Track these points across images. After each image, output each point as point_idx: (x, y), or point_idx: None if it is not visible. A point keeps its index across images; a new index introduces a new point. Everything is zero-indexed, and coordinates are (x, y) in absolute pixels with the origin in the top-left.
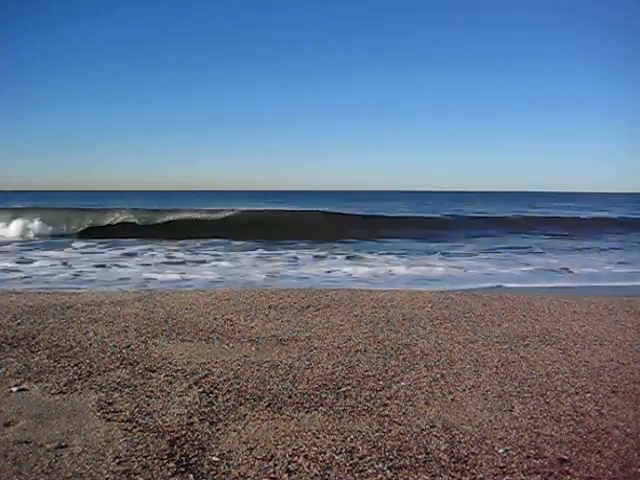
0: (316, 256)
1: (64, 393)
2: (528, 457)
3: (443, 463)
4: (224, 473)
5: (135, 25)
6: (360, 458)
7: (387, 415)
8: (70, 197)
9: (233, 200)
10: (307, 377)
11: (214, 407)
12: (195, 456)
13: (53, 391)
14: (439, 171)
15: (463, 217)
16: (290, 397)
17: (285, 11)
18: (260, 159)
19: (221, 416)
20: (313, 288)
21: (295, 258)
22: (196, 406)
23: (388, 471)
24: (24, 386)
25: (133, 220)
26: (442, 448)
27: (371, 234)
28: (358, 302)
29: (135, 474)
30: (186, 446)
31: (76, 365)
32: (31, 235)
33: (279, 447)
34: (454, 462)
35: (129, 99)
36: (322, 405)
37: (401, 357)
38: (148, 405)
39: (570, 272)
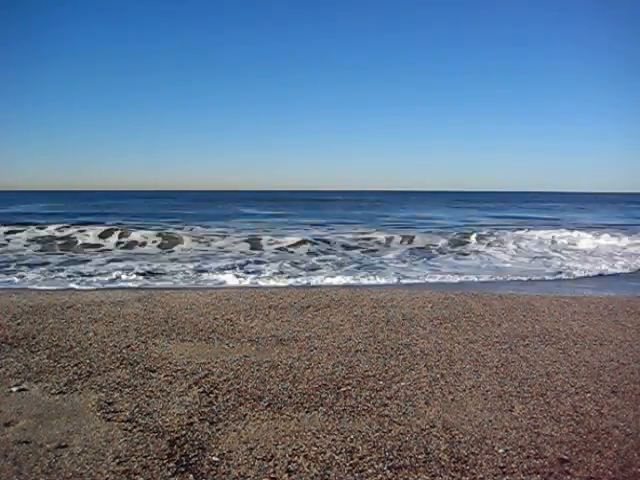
0: None
1: (64, 393)
2: (528, 457)
3: (443, 463)
4: (224, 473)
5: (135, 25)
6: (360, 458)
7: (387, 415)
8: (75, 198)
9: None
10: (307, 377)
11: (214, 407)
12: (195, 456)
13: (53, 391)
14: (439, 171)
15: None
16: (290, 397)
17: (286, 10)
18: (259, 159)
19: (221, 416)
20: (313, 288)
21: None
22: (196, 406)
23: (388, 471)
24: (24, 386)
25: None
26: (442, 448)
27: None
28: (358, 302)
29: (135, 474)
30: (186, 446)
31: (76, 365)
32: None
33: (279, 447)
34: (454, 462)
35: (129, 99)
36: (322, 405)
37: (401, 357)
38: (148, 405)
39: None
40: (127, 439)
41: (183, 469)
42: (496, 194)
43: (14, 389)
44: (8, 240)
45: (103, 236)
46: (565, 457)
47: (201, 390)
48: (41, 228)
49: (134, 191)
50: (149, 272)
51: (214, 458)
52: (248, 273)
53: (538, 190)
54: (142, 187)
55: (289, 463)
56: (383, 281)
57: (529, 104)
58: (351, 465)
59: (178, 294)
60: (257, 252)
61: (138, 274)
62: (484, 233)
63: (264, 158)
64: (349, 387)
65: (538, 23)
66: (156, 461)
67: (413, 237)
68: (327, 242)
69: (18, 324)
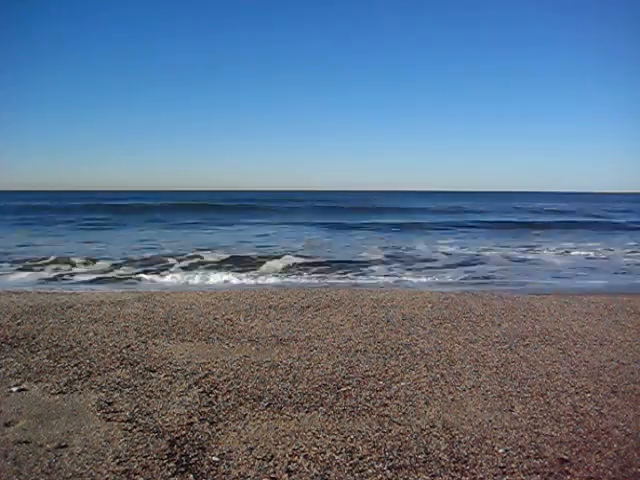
0: None
1: (64, 393)
2: (528, 457)
3: (443, 463)
4: (224, 473)
5: (136, 25)
6: (360, 458)
7: (387, 415)
8: (71, 197)
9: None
10: (307, 377)
11: (214, 407)
12: (195, 456)
13: (53, 391)
14: (440, 171)
15: None
16: (290, 397)
17: (284, 11)
18: (259, 159)
19: (221, 416)
20: (313, 288)
21: None
22: (196, 406)
23: (388, 471)
24: (24, 386)
25: None
26: (442, 448)
27: None
28: (358, 302)
29: (135, 474)
30: (186, 446)
31: (76, 365)
32: None
33: (279, 447)
34: (454, 462)
35: (128, 100)
36: (322, 405)
37: (401, 357)
38: (148, 405)
39: None
40: (127, 439)
41: (183, 469)
42: (499, 194)
43: (14, 389)
44: None
45: None
46: (565, 457)
47: (201, 390)
48: None
49: (143, 191)
50: None
51: (214, 458)
52: None
53: (538, 190)
54: (141, 187)
55: (289, 463)
56: None
57: (530, 104)
58: (351, 465)
59: (178, 294)
60: None
61: None
62: None
63: (263, 158)
64: (349, 387)
65: (537, 25)
66: (156, 461)
67: None
68: None
69: (18, 324)
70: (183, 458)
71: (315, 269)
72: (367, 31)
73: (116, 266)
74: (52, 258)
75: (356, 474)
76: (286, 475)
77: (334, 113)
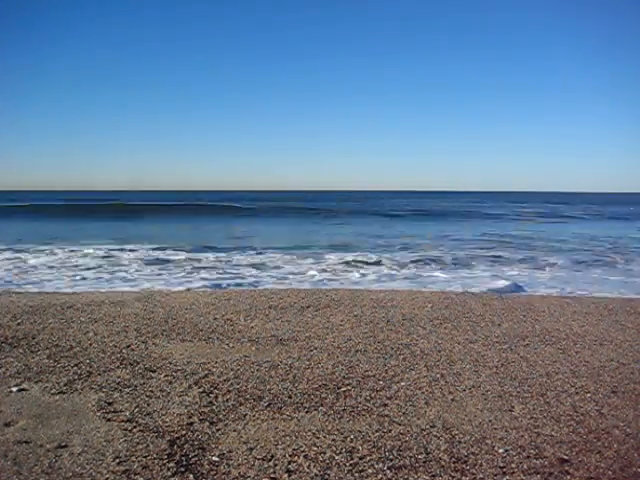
0: None
1: (64, 393)
2: (528, 457)
3: (443, 463)
4: (224, 473)
5: (135, 26)
6: (360, 458)
7: (387, 415)
8: (70, 197)
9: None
10: (307, 377)
11: (214, 407)
12: (195, 456)
13: (53, 391)
14: (440, 171)
15: None
16: (290, 397)
17: (286, 13)
18: (259, 159)
19: (221, 416)
20: (313, 288)
21: None
22: (196, 406)
23: (388, 471)
24: (24, 386)
25: None
26: (442, 448)
27: None
28: (358, 302)
29: (135, 474)
30: (186, 446)
31: (76, 365)
32: None
33: (279, 447)
34: (454, 462)
35: (128, 100)
36: (322, 405)
37: (401, 357)
38: (148, 405)
39: None
40: (127, 439)
41: (183, 469)
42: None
43: (14, 389)
44: None
45: None
46: (565, 457)
47: (201, 390)
48: None
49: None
50: None
51: (214, 458)
52: None
53: (538, 190)
54: (143, 187)
55: (289, 463)
56: None
57: (530, 105)
58: (351, 465)
59: (178, 294)
60: None
61: None
62: None
63: (262, 158)
64: (349, 387)
65: (538, 27)
66: (156, 461)
67: None
68: None
69: (18, 324)
70: (183, 458)
71: None
72: (368, 33)
73: None
74: None
75: (356, 474)
76: (286, 475)
77: (335, 113)
